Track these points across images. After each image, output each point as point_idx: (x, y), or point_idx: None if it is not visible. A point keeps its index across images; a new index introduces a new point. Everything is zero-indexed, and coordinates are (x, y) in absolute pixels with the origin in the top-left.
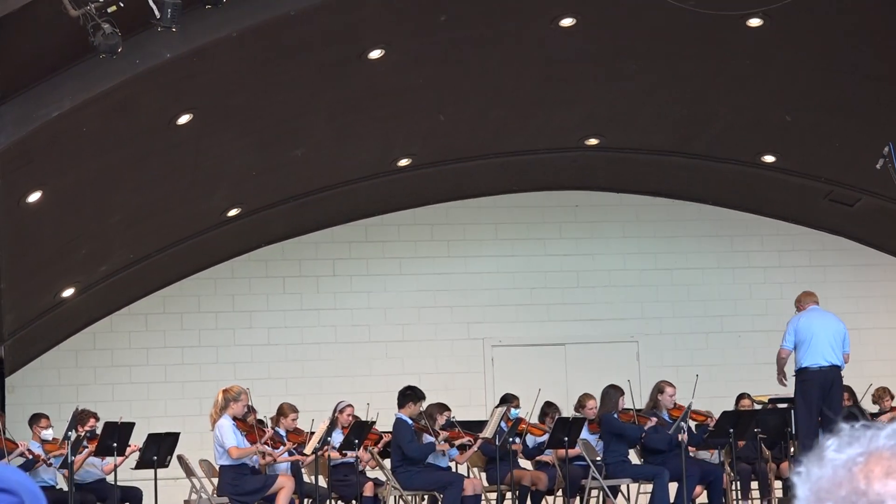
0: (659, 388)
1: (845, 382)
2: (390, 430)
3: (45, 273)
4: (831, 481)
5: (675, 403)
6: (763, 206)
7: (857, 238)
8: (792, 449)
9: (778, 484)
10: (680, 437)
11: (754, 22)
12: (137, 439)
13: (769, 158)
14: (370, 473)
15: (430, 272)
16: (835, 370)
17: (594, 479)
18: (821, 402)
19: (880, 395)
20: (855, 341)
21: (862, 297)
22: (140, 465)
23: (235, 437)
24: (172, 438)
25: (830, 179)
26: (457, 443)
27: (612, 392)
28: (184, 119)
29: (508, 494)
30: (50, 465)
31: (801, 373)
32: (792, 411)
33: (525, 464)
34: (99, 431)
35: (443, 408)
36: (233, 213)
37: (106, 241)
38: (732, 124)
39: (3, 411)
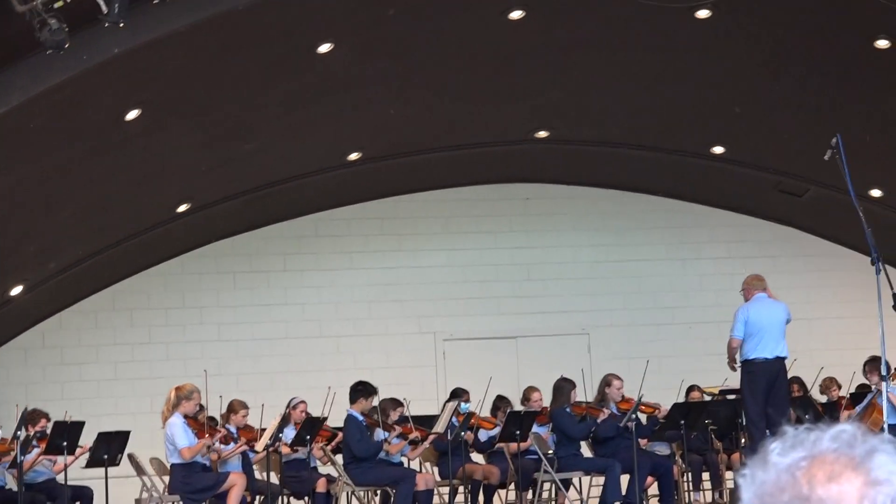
0: (606, 382)
1: (795, 373)
2: (341, 425)
3: None
4: (775, 485)
5: (623, 396)
6: (713, 197)
7: (807, 228)
8: (742, 440)
9: (729, 475)
10: (632, 426)
11: (703, 14)
12: (88, 438)
13: (718, 150)
14: (322, 469)
15: (380, 266)
16: (780, 362)
17: (546, 472)
18: (767, 392)
19: (827, 385)
20: (805, 331)
21: (812, 286)
22: (90, 463)
23: (187, 437)
24: (123, 437)
25: (779, 170)
26: (410, 437)
27: (565, 385)
28: (133, 114)
29: (461, 489)
30: None
31: (748, 364)
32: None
33: (478, 458)
34: (49, 430)
35: (396, 403)
36: (182, 208)
37: (55, 237)
38: (681, 116)
39: None
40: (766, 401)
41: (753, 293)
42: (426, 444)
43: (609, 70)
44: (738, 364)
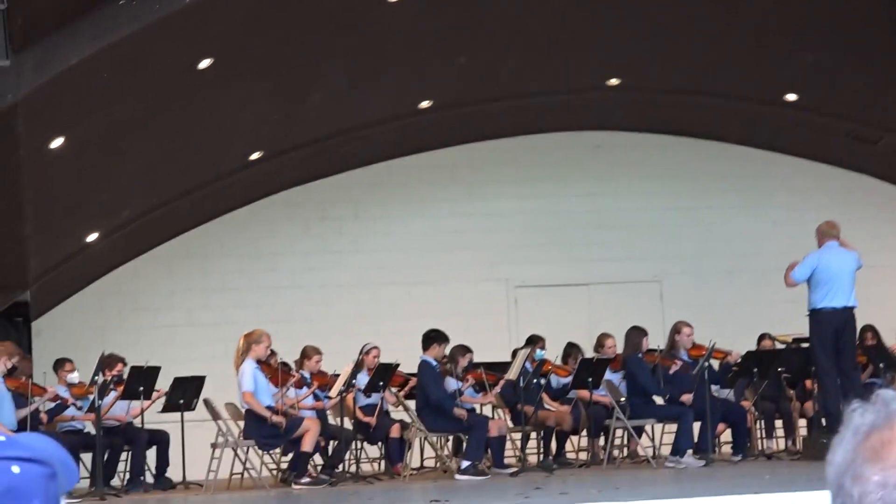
0: (676, 329)
1: (868, 321)
2: (414, 371)
3: (69, 218)
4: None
5: (693, 343)
6: (785, 144)
7: (881, 176)
8: (815, 389)
9: (802, 422)
10: (705, 373)
11: None
12: (163, 383)
13: (791, 97)
14: (395, 415)
15: (451, 214)
16: (848, 311)
17: (618, 419)
18: (835, 342)
19: None
20: (878, 278)
21: (885, 234)
22: (166, 408)
23: (254, 382)
24: (198, 382)
25: (853, 118)
26: (474, 382)
27: (636, 333)
28: (204, 64)
29: (533, 435)
30: (80, 408)
31: (815, 314)
32: None
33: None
34: (125, 375)
35: (465, 350)
36: (254, 156)
37: (128, 185)
38: (753, 63)
39: (29, 355)
40: (835, 350)
41: (825, 241)
42: (497, 389)
43: (680, 17)
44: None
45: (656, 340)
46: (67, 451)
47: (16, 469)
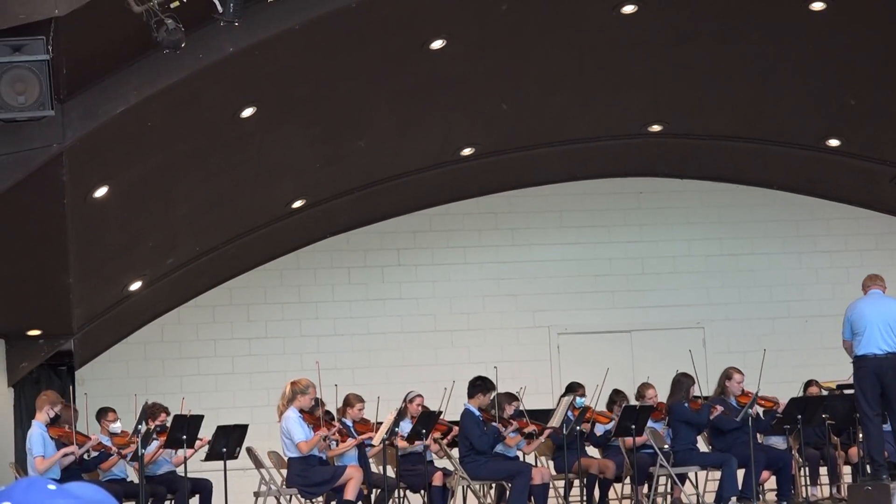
0: (727, 375)
1: None
2: (456, 419)
3: (113, 267)
4: None
5: (742, 390)
6: (828, 189)
7: None
8: (860, 435)
9: (847, 469)
10: (750, 420)
11: (817, 6)
12: (206, 431)
13: (834, 142)
14: (438, 463)
15: (494, 261)
16: (891, 358)
17: (662, 466)
18: (878, 389)
19: None
20: None
21: None
22: (209, 456)
23: (303, 431)
24: (241, 430)
25: (895, 163)
26: (526, 431)
27: (684, 380)
28: (248, 112)
29: (577, 482)
30: (124, 458)
31: (858, 360)
32: None
33: (593, 452)
34: (168, 424)
35: (511, 398)
36: (298, 204)
37: (172, 233)
38: (796, 108)
39: (73, 405)
40: (878, 398)
41: (867, 291)
42: (542, 438)
43: (722, 63)
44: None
45: (698, 388)
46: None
47: None
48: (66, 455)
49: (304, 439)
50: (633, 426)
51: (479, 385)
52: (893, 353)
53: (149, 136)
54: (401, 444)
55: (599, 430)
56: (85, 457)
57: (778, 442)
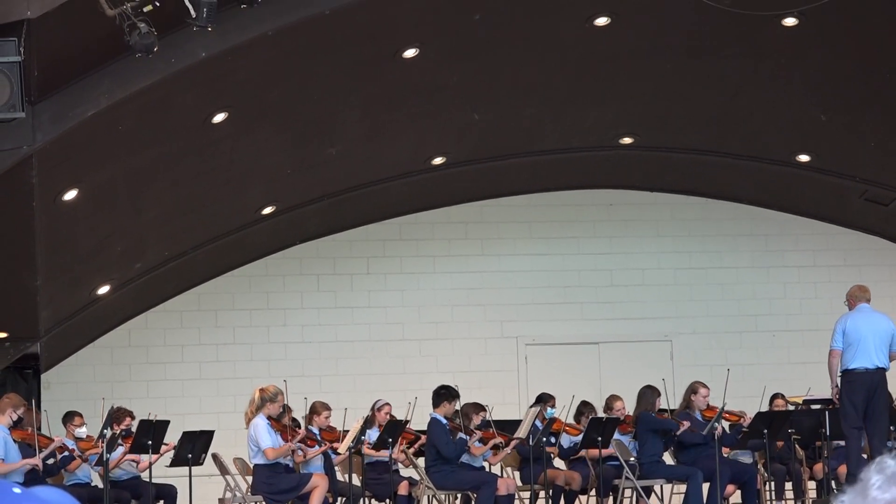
0: (692, 389)
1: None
2: (424, 428)
3: (81, 270)
4: None
5: (707, 404)
6: (798, 205)
7: (893, 237)
8: (825, 451)
9: (812, 485)
10: (715, 434)
11: (789, 21)
12: (172, 437)
13: (804, 158)
14: (404, 472)
15: (463, 270)
16: (880, 373)
17: (627, 479)
18: (866, 404)
19: None
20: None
21: None
22: (175, 462)
23: (270, 437)
24: (207, 436)
25: (865, 179)
26: (490, 443)
27: (649, 393)
28: (219, 118)
29: (542, 494)
30: (86, 461)
31: (847, 374)
32: (826, 412)
33: (559, 464)
34: (134, 429)
35: (478, 407)
36: (267, 210)
37: (141, 238)
38: (767, 123)
39: (38, 408)
40: (864, 413)
41: (856, 304)
42: (508, 448)
43: (694, 77)
44: (838, 381)
45: (665, 401)
46: None
47: None
48: (27, 465)
49: (272, 446)
50: (600, 438)
51: (444, 394)
52: (883, 368)
53: (119, 140)
54: (367, 452)
55: (566, 441)
56: (49, 462)
57: (744, 457)
